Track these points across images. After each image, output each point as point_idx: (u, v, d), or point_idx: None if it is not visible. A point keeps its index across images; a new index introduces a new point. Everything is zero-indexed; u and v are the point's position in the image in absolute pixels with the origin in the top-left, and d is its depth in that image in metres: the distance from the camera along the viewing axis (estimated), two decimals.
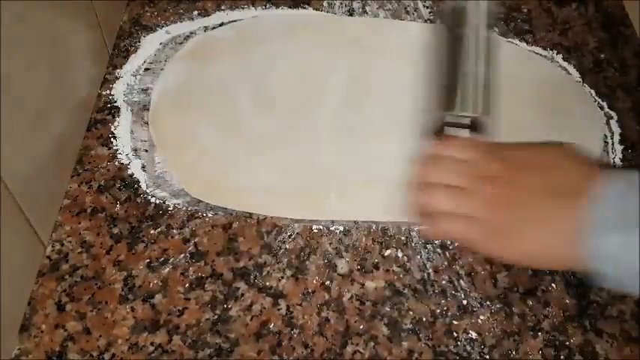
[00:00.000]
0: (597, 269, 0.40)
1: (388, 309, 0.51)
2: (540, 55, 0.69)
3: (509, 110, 0.53)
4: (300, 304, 0.51)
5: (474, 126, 0.51)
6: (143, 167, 0.59)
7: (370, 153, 0.60)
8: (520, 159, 0.47)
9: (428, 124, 0.52)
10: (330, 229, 0.56)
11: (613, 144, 0.63)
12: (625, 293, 0.43)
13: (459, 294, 0.52)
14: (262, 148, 0.59)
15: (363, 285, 0.52)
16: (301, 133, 0.61)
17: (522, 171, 0.45)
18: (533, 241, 0.43)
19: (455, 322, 0.50)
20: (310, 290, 0.52)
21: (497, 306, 0.51)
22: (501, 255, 0.45)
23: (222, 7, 0.73)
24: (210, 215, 0.56)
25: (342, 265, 0.53)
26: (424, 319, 0.51)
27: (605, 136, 0.63)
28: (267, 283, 0.52)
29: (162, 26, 0.70)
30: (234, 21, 0.72)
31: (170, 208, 0.56)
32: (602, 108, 0.65)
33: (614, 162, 0.62)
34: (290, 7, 0.72)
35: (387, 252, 0.54)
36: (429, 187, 0.46)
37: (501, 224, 0.44)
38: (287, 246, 0.54)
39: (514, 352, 0.49)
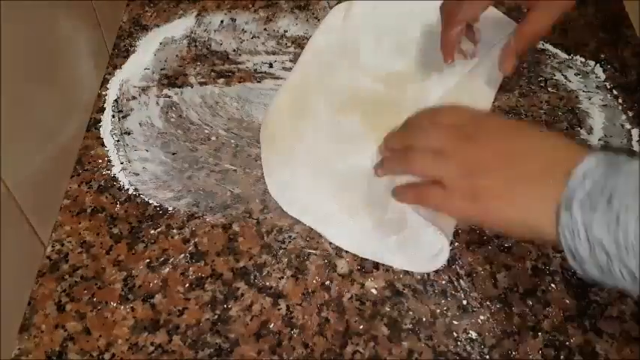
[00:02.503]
0: (568, 246, 0.41)
1: (388, 309, 0.51)
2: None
3: None
4: (300, 304, 0.51)
5: None
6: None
7: None
8: (501, 126, 0.48)
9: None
10: None
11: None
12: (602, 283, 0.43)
13: (459, 294, 0.52)
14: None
15: (363, 285, 0.52)
16: None
17: (512, 136, 0.46)
18: (510, 208, 0.44)
19: (455, 322, 0.50)
20: (310, 290, 0.52)
21: (497, 306, 0.51)
22: (478, 219, 0.46)
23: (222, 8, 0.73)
24: (209, 215, 0.56)
25: (342, 265, 0.53)
26: (424, 319, 0.51)
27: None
28: (267, 283, 0.52)
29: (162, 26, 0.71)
30: (234, 20, 0.72)
31: (170, 209, 0.56)
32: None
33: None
34: None
35: None
36: (410, 151, 0.48)
37: (476, 187, 0.44)
38: (287, 246, 0.54)
39: (514, 352, 0.49)
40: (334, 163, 0.59)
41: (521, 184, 0.44)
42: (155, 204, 0.57)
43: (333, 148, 0.60)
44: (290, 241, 0.55)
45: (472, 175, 0.45)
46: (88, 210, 0.56)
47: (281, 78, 0.67)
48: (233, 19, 0.72)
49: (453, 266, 0.53)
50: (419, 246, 0.54)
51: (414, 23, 0.70)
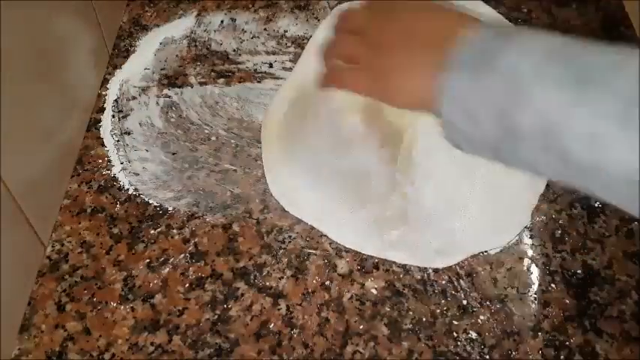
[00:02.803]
0: (445, 115, 0.42)
1: (388, 309, 0.51)
2: None
3: None
4: (300, 304, 0.51)
5: None
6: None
7: None
8: (402, 7, 0.50)
9: None
10: None
11: None
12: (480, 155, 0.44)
13: (459, 294, 0.52)
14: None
15: (363, 285, 0.52)
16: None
17: (401, 20, 0.48)
18: (400, 79, 0.46)
19: (455, 322, 0.50)
20: (310, 290, 0.52)
21: (497, 306, 0.51)
22: (381, 97, 0.48)
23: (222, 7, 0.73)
24: (209, 215, 0.56)
25: (342, 265, 0.53)
26: (424, 319, 0.51)
27: None
28: (267, 283, 0.52)
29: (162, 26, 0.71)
30: (234, 20, 0.72)
31: (170, 209, 0.56)
32: None
33: None
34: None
35: None
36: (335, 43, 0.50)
37: (381, 68, 0.47)
38: (287, 246, 0.54)
39: (514, 352, 0.49)
40: (335, 162, 0.59)
41: (411, 58, 0.46)
42: (155, 204, 0.57)
43: (334, 147, 0.60)
44: (290, 241, 0.55)
45: (375, 56, 0.47)
46: (88, 210, 0.56)
47: (281, 78, 0.67)
48: (233, 19, 0.72)
49: (453, 266, 0.53)
50: (420, 240, 0.54)
51: None
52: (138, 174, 0.59)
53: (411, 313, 0.51)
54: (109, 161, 0.60)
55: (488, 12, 0.71)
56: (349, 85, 0.49)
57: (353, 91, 0.50)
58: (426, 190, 0.57)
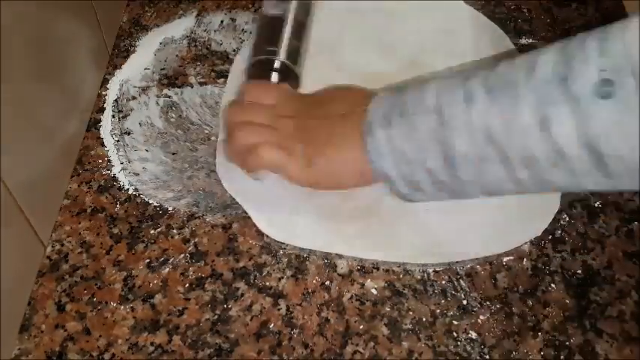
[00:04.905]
0: (383, 171, 0.45)
1: (388, 309, 0.51)
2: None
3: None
4: (300, 304, 0.51)
5: (283, 72, 0.60)
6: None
7: None
8: (315, 98, 0.54)
9: (246, 68, 0.63)
10: None
11: None
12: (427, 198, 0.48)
13: (458, 294, 0.52)
14: None
15: (363, 285, 0.52)
16: None
17: (316, 105, 0.52)
18: (333, 162, 0.49)
19: (455, 322, 0.50)
20: (310, 290, 0.52)
21: (497, 306, 0.51)
22: (310, 182, 0.50)
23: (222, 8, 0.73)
24: (209, 215, 0.56)
25: (342, 265, 0.53)
26: (424, 319, 0.51)
27: None
28: (267, 283, 0.52)
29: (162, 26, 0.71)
30: (234, 20, 0.72)
31: (170, 209, 0.56)
32: None
33: None
34: None
35: None
36: (236, 127, 0.52)
37: (304, 151, 0.49)
38: (287, 246, 0.54)
39: (514, 352, 0.49)
40: None
41: (334, 134, 0.49)
42: (155, 204, 0.57)
43: None
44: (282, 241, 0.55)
45: (299, 140, 0.50)
46: (88, 210, 0.56)
47: None
48: (233, 19, 0.72)
49: (453, 266, 0.53)
50: (394, 234, 0.54)
51: (397, 24, 0.70)
52: (138, 174, 0.59)
53: (411, 313, 0.51)
54: (109, 161, 0.60)
55: (469, 14, 0.71)
56: (277, 165, 0.50)
57: (276, 172, 0.52)
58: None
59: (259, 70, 0.60)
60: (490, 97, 0.41)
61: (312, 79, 0.64)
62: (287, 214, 0.55)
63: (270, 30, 0.62)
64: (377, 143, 0.45)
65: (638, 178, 0.38)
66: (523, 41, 0.70)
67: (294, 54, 0.61)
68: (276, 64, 0.59)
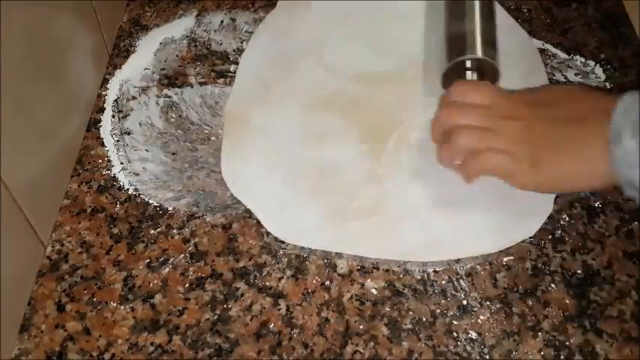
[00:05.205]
0: (627, 177, 0.43)
1: (388, 309, 0.51)
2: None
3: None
4: (300, 304, 0.51)
5: (482, 70, 0.57)
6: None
7: None
8: (534, 98, 0.51)
9: (443, 71, 0.59)
10: None
11: None
12: None
13: (458, 294, 0.52)
14: None
15: (363, 285, 0.52)
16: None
17: (541, 107, 0.49)
18: (567, 164, 0.46)
19: (455, 322, 0.50)
20: (310, 290, 0.52)
21: (497, 306, 0.51)
22: (537, 186, 0.48)
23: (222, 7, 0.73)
24: (209, 215, 0.56)
25: (342, 265, 0.53)
26: (424, 319, 0.51)
27: None
28: (267, 283, 0.52)
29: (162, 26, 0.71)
30: (234, 20, 0.72)
31: (170, 209, 0.56)
32: None
33: None
34: None
35: None
36: (456, 130, 0.49)
37: (532, 155, 0.47)
38: (287, 246, 0.54)
39: (514, 352, 0.49)
40: (301, 153, 0.59)
41: (570, 138, 0.46)
42: (155, 204, 0.57)
43: (303, 139, 0.60)
44: (286, 241, 0.55)
45: (526, 143, 0.47)
46: (88, 210, 0.56)
47: None
48: (233, 19, 0.72)
49: (453, 266, 0.53)
50: (393, 234, 0.54)
51: (390, 23, 0.70)
52: (138, 174, 0.59)
53: (411, 313, 0.51)
54: (109, 161, 0.60)
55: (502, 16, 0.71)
56: (495, 170, 0.48)
57: (497, 175, 0.49)
58: (410, 187, 0.57)
59: (455, 71, 0.58)
60: None
61: (301, 80, 0.64)
62: (293, 214, 0.55)
63: (459, 23, 0.59)
64: (626, 153, 0.42)
65: None
66: None
67: (491, 46, 0.58)
68: (469, 64, 0.57)
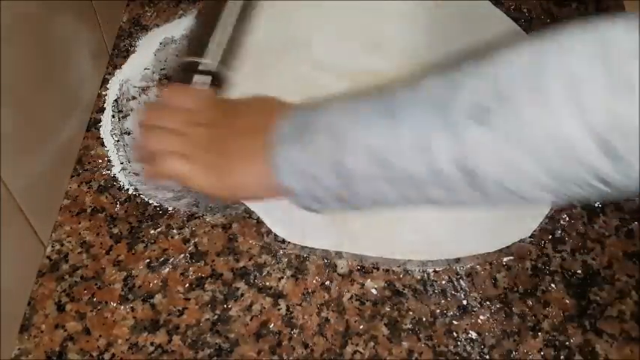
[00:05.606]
0: (286, 185, 0.45)
1: (388, 309, 0.51)
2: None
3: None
4: (300, 304, 0.51)
5: (214, 75, 0.56)
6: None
7: None
8: (233, 106, 0.52)
9: (175, 69, 0.60)
10: None
11: None
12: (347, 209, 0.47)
13: (458, 294, 0.52)
14: None
15: (363, 285, 0.52)
16: None
17: (233, 116, 0.50)
18: (238, 173, 0.47)
19: (455, 322, 0.50)
20: (310, 290, 0.52)
21: (497, 306, 0.51)
22: (214, 191, 0.49)
23: None
24: (209, 215, 0.56)
25: (342, 265, 0.53)
26: (424, 319, 0.51)
27: None
28: (267, 283, 0.52)
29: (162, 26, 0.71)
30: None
31: (170, 209, 0.56)
32: None
33: None
34: None
35: None
36: (147, 130, 0.50)
37: (211, 162, 0.48)
38: (287, 246, 0.54)
39: (514, 352, 0.49)
40: None
41: (243, 149, 0.48)
42: (155, 204, 0.57)
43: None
44: (290, 241, 0.55)
45: (208, 150, 0.48)
46: (88, 210, 0.56)
47: None
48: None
49: (453, 266, 0.53)
50: (393, 234, 0.54)
51: (382, 19, 0.70)
52: (138, 174, 0.59)
53: (410, 313, 0.51)
54: (109, 161, 0.60)
55: (496, 14, 0.71)
56: (175, 173, 0.49)
57: (178, 179, 0.50)
58: None
59: (185, 72, 0.56)
60: (384, 119, 0.42)
61: (289, 78, 0.64)
62: (295, 214, 0.55)
63: (200, 29, 0.59)
64: (279, 159, 0.45)
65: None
66: None
67: (228, 55, 0.57)
68: (200, 67, 0.56)
